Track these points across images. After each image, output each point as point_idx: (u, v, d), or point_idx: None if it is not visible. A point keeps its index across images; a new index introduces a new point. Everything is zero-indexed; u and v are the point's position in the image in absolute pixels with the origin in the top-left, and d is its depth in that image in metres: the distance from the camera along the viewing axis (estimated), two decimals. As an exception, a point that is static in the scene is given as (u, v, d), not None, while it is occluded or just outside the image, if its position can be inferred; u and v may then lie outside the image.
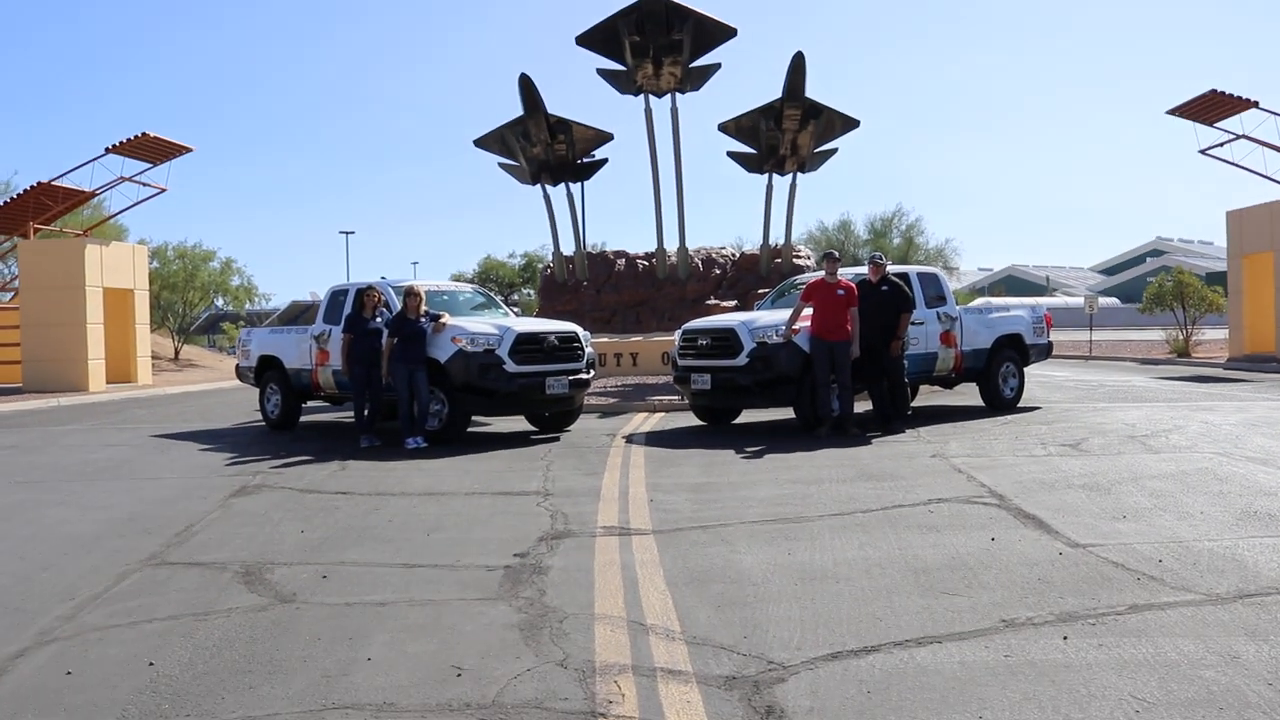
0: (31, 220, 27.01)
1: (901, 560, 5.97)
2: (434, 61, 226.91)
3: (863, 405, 13.65)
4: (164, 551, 6.79)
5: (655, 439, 12.63)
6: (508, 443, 12.70)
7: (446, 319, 12.71)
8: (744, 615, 5.00)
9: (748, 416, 14.63)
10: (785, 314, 12.87)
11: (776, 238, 24.51)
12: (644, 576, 5.79)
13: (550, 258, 26.40)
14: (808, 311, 12.47)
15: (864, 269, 13.44)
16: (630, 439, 12.57)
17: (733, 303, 22.68)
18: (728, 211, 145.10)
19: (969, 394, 16.29)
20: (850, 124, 23.57)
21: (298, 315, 16.03)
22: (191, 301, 38.87)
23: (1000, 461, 9.82)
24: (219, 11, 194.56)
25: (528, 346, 12.76)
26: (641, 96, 23.40)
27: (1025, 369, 15.60)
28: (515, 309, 24.83)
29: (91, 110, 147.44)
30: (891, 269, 13.44)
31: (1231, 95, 25.87)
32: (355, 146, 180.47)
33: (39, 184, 26.50)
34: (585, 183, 26.15)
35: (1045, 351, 16.12)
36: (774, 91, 22.76)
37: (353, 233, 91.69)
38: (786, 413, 13.76)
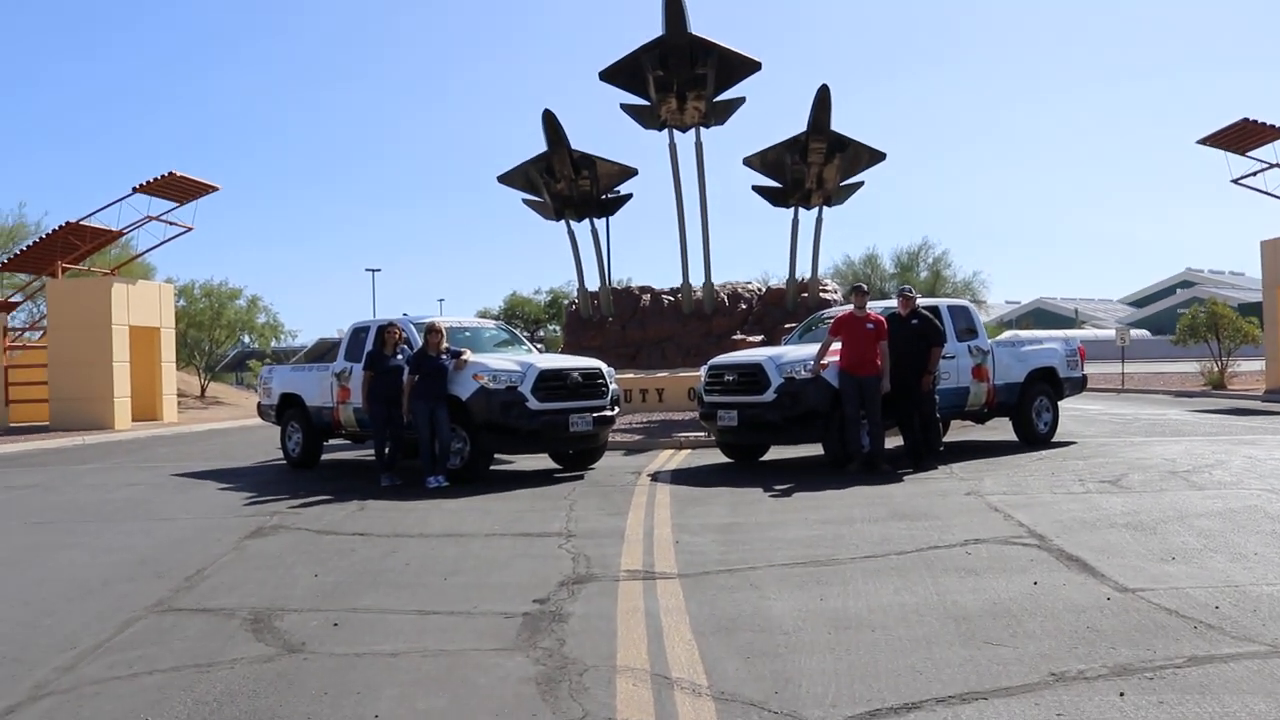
0: (60, 260, 27.16)
1: (940, 607, 5.66)
2: (458, 97, 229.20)
3: (893, 441, 13.31)
4: (172, 597, 6.58)
5: (681, 477, 12.35)
6: (530, 481, 12.46)
7: (468, 355, 12.52)
8: (774, 667, 4.71)
9: (775, 453, 14.33)
10: (813, 349, 12.61)
11: (803, 272, 24.30)
12: (669, 624, 5.51)
13: (575, 294, 26.26)
14: (836, 346, 12.20)
15: (892, 303, 13.18)
16: (655, 477, 12.30)
17: (759, 338, 22.44)
18: (753, 246, 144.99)
19: (1001, 429, 15.95)
20: (877, 157, 23.38)
21: (324, 353, 15.91)
22: (218, 339, 39.00)
23: (1038, 499, 9.47)
24: (244, 50, 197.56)
25: (551, 383, 12.54)
26: (666, 131, 23.32)
27: (1059, 403, 15.24)
28: (539, 345, 24.71)
29: (118, 149, 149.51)
30: (921, 302, 13.15)
31: (1264, 124, 25.53)
32: (381, 183, 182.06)
33: (67, 224, 26.66)
34: (610, 218, 26.03)
35: (1080, 385, 15.75)
36: (799, 124, 22.64)
37: (379, 270, 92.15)
38: (815, 449, 13.45)
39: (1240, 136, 26.28)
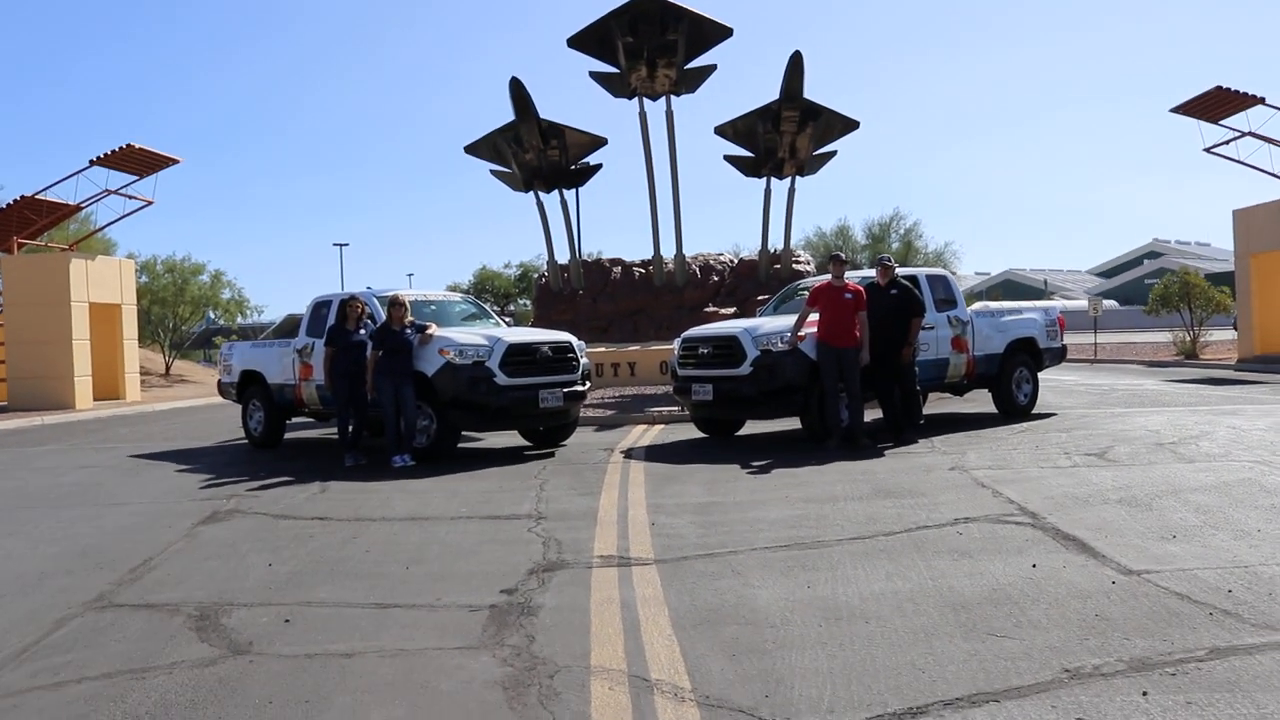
0: (15, 235, 26.34)
1: (936, 593, 5.31)
2: (426, 71, 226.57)
3: (870, 414, 12.97)
4: (113, 591, 6.12)
5: (655, 453, 11.96)
6: (499, 460, 12.04)
7: (433, 330, 12.06)
8: (763, 666, 4.32)
9: (751, 427, 13.98)
10: (790, 320, 12.24)
11: (775, 243, 23.90)
12: (646, 617, 5.12)
13: (545, 266, 25.79)
14: (814, 317, 11.83)
15: (868, 273, 12.81)
16: (629, 454, 11.91)
17: (731, 310, 22.10)
18: (725, 217, 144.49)
19: (979, 400, 15.68)
20: (850, 125, 22.97)
21: (293, 329, 15.42)
22: (183, 316, 38.20)
23: (1025, 474, 9.16)
24: (206, 22, 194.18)
25: (519, 358, 12.10)
26: (635, 100, 22.81)
27: (1039, 374, 14.97)
28: (508, 319, 24.26)
29: (75, 124, 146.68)
30: (900, 271, 12.79)
31: (1237, 91, 25.32)
32: (348, 157, 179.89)
33: (22, 198, 25.85)
34: (580, 189, 25.54)
35: (1059, 355, 15.49)
36: (771, 94, 22.21)
37: (347, 245, 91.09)
38: (792, 423, 13.11)
39: (1214, 104, 26.07)
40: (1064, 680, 4.00)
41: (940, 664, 4.24)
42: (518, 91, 21.99)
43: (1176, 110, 26.93)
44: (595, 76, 22.88)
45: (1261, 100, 25.36)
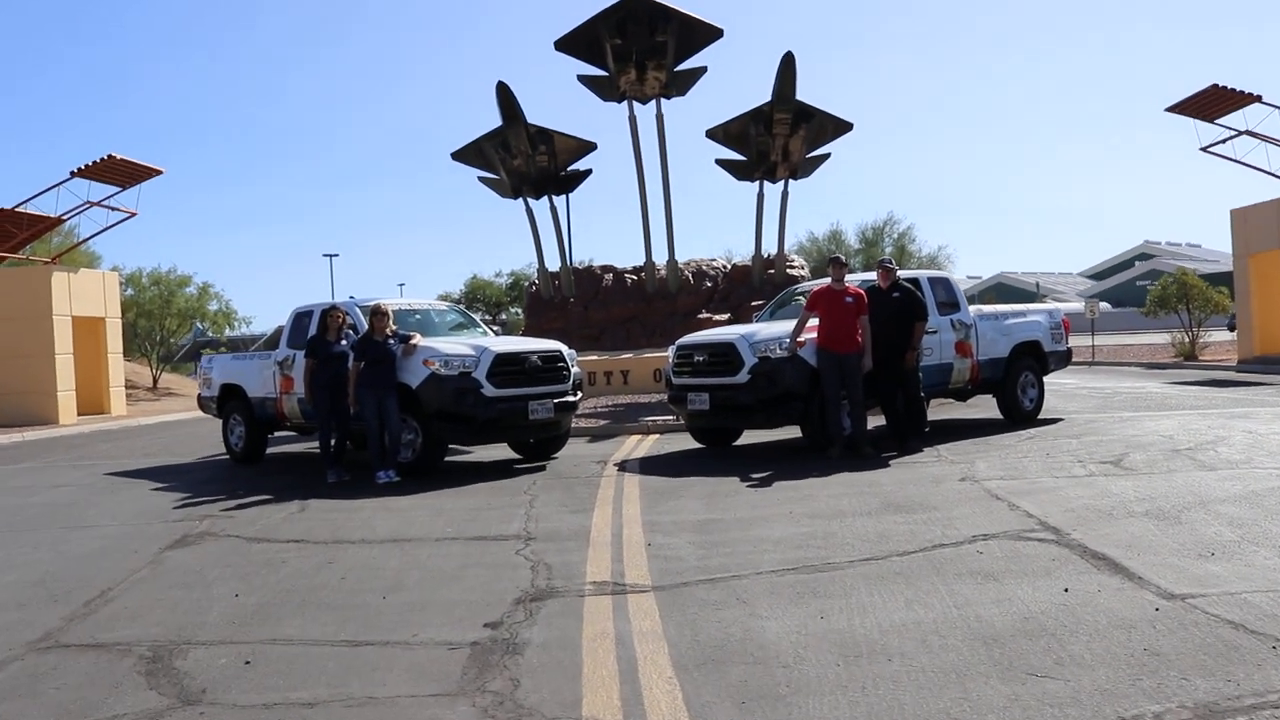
0: (-4, 249, 25.83)
1: (963, 624, 4.83)
2: (413, 77, 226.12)
3: (873, 421, 12.51)
4: (63, 628, 5.61)
5: (650, 466, 11.48)
6: (488, 474, 11.55)
7: (417, 340, 11.57)
8: (777, 717, 3.84)
9: (749, 437, 13.51)
10: (788, 325, 11.77)
11: (768, 248, 23.49)
12: (644, 655, 4.63)
13: (535, 274, 25.33)
14: (813, 322, 11.37)
15: (867, 276, 12.37)
16: (623, 466, 11.43)
17: (725, 316, 21.65)
18: (717, 222, 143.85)
19: (982, 406, 15.24)
20: (843, 127, 22.57)
21: (278, 340, 14.97)
22: (169, 328, 37.64)
23: (1040, 484, 8.70)
24: (193, 32, 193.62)
25: (507, 368, 11.62)
26: (625, 103, 22.41)
27: (1044, 378, 14.54)
28: (497, 328, 23.80)
29: (56, 136, 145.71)
30: (901, 274, 12.34)
31: (1234, 90, 24.96)
32: (335, 166, 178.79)
33: (2, 210, 25.31)
34: (569, 195, 25.13)
35: (1064, 359, 15.07)
36: (763, 97, 21.82)
37: (336, 255, 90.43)
38: (791, 432, 12.65)
39: (1210, 103, 25.69)
40: (1121, 731, 3.52)
41: (979, 712, 3.75)
42: (505, 97, 21.56)
43: (1172, 109, 26.56)
44: (584, 80, 22.47)
45: (1258, 98, 25.00)
